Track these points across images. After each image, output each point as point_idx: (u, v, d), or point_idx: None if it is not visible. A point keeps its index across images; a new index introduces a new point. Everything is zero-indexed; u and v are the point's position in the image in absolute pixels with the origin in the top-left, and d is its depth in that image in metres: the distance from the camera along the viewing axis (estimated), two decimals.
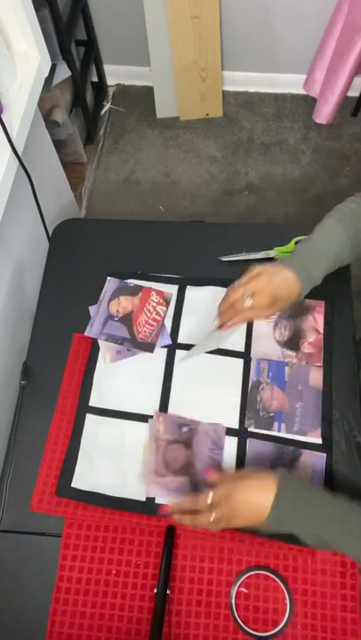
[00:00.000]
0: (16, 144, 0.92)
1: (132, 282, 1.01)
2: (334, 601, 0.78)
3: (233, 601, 0.78)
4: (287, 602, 0.78)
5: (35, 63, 1.01)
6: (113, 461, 0.87)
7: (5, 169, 0.90)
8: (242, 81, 2.20)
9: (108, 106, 2.26)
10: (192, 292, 1.01)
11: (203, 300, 1.00)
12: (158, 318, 0.97)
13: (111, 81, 2.29)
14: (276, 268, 0.81)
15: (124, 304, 0.99)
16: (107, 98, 2.28)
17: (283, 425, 0.89)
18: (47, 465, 0.88)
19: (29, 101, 0.98)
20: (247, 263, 1.02)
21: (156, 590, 0.77)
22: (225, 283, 1.00)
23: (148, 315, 0.98)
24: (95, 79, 2.22)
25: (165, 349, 0.95)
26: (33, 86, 0.99)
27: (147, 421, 0.90)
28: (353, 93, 2.07)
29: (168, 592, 0.78)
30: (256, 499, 0.70)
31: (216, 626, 0.77)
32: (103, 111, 2.25)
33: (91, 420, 0.91)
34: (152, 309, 0.98)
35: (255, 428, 0.88)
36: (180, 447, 0.87)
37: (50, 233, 1.13)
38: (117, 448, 0.88)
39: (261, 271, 0.81)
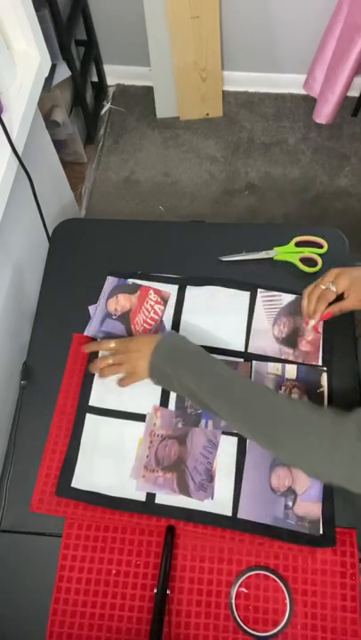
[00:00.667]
0: (16, 144, 0.92)
1: (130, 281, 1.01)
2: (334, 601, 0.78)
3: (233, 601, 0.78)
4: (287, 602, 0.78)
5: (35, 63, 1.01)
6: (113, 461, 0.87)
7: (5, 169, 0.90)
8: (242, 81, 2.20)
9: (108, 106, 2.26)
10: (192, 292, 1.01)
11: (203, 299, 1.00)
12: (156, 317, 0.97)
13: (111, 81, 2.29)
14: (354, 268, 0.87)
15: (123, 302, 0.99)
16: (107, 98, 2.28)
17: (210, 421, 0.89)
18: (47, 465, 0.88)
19: (29, 101, 0.98)
20: (247, 263, 1.03)
21: (156, 590, 0.77)
22: (225, 283, 1.01)
23: (147, 314, 0.98)
24: (95, 79, 2.22)
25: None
26: (33, 86, 0.99)
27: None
28: (353, 93, 2.07)
29: (168, 592, 0.78)
30: (146, 345, 0.84)
31: (216, 626, 0.77)
32: (103, 111, 2.25)
33: (91, 419, 0.91)
34: (150, 308, 0.98)
35: (183, 425, 0.89)
36: (174, 443, 0.87)
37: (50, 233, 1.13)
38: (117, 448, 0.88)
39: (340, 271, 0.87)
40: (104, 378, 0.89)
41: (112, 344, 0.89)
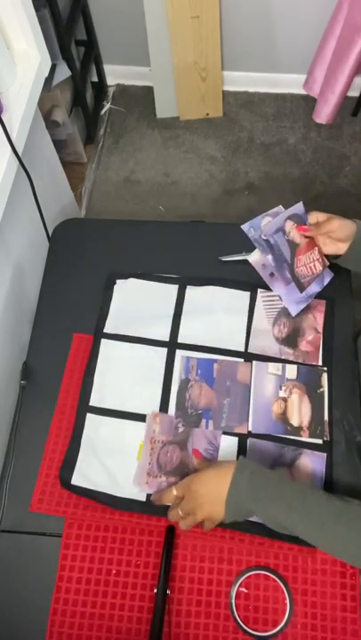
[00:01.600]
0: (16, 144, 0.92)
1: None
2: (334, 601, 0.78)
3: (233, 601, 0.78)
4: (287, 602, 0.78)
5: (35, 63, 1.01)
6: (113, 461, 0.87)
7: (5, 169, 0.90)
8: (242, 81, 2.20)
9: (108, 106, 2.26)
10: (192, 292, 1.01)
11: (203, 299, 1.00)
12: (315, 270, 0.94)
13: (111, 81, 2.29)
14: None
15: (294, 233, 0.91)
16: (107, 98, 2.28)
17: (210, 421, 0.89)
18: (47, 465, 0.88)
19: (29, 101, 0.98)
20: (247, 263, 1.03)
21: (156, 590, 0.77)
22: (225, 283, 1.01)
23: (308, 261, 0.93)
24: (95, 79, 2.22)
25: (165, 349, 0.95)
26: (33, 86, 0.99)
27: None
28: (353, 93, 2.07)
29: (168, 592, 0.78)
30: (214, 485, 0.73)
31: (216, 626, 0.77)
32: (103, 111, 2.25)
33: (91, 419, 0.91)
34: (312, 260, 0.94)
35: (183, 425, 0.89)
36: (175, 448, 0.87)
37: (50, 233, 1.13)
38: (118, 448, 0.88)
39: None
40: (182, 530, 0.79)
41: (174, 492, 0.77)
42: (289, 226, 0.90)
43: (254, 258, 0.94)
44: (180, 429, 0.88)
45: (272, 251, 0.90)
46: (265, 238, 0.89)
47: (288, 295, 0.95)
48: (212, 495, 0.73)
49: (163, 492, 0.80)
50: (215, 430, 0.88)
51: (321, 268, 0.96)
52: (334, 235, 0.90)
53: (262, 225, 0.90)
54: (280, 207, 0.92)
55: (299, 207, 0.91)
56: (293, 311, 0.96)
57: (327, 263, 0.96)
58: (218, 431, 0.88)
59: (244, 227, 0.91)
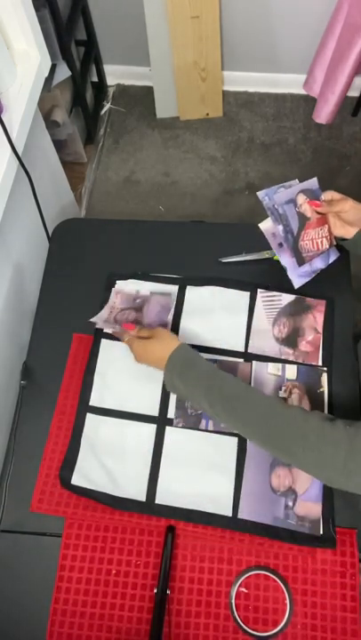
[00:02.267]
0: (16, 144, 0.92)
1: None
2: (334, 601, 0.78)
3: (233, 601, 0.78)
4: (287, 602, 0.78)
5: (35, 63, 1.01)
6: (113, 461, 0.87)
7: (5, 169, 0.90)
8: (242, 81, 2.20)
9: (108, 106, 2.26)
10: (192, 292, 1.01)
11: (203, 299, 1.00)
12: (320, 247, 0.95)
13: (111, 81, 2.29)
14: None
15: (305, 207, 0.92)
16: (107, 98, 2.27)
17: (210, 422, 0.89)
18: (47, 465, 0.88)
19: (29, 101, 0.98)
20: (247, 263, 1.03)
21: (156, 590, 0.77)
22: (225, 283, 1.01)
23: (316, 236, 0.94)
24: (95, 79, 2.22)
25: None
26: (33, 86, 0.99)
27: (147, 422, 0.90)
28: (353, 93, 2.07)
29: (168, 592, 0.78)
30: (161, 354, 0.83)
31: (216, 626, 0.77)
32: (103, 111, 2.25)
33: (91, 419, 0.91)
34: (321, 236, 0.94)
35: (183, 426, 0.89)
36: (132, 312, 0.97)
37: (50, 233, 1.13)
38: (118, 448, 0.88)
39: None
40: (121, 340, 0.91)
41: (142, 332, 0.88)
42: (301, 199, 0.91)
43: (266, 226, 0.94)
44: (138, 301, 0.99)
45: (283, 221, 0.91)
46: (277, 208, 0.90)
47: (293, 267, 0.95)
48: (155, 362, 0.84)
49: (121, 333, 0.91)
50: (165, 298, 0.97)
51: (327, 246, 0.96)
52: (345, 216, 0.90)
53: (276, 194, 0.91)
54: (296, 180, 0.93)
55: (313, 182, 0.93)
56: (296, 284, 0.96)
57: (334, 243, 0.97)
58: (168, 298, 0.98)
59: (260, 194, 0.92)
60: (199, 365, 0.81)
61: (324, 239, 0.95)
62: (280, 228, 0.91)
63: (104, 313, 0.97)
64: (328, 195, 0.92)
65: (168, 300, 0.97)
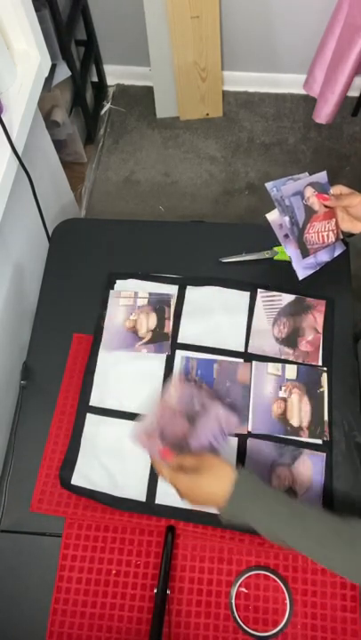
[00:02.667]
0: (16, 144, 0.92)
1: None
2: (334, 601, 0.78)
3: (233, 601, 0.78)
4: (287, 602, 0.78)
5: (35, 63, 1.01)
6: (113, 461, 0.87)
7: (5, 169, 0.90)
8: (242, 81, 2.20)
9: (108, 106, 2.26)
10: (192, 292, 1.01)
11: (203, 300, 1.00)
12: (326, 240, 0.94)
13: (111, 81, 2.29)
14: None
15: (313, 200, 0.92)
16: (107, 98, 2.27)
17: None
18: (47, 465, 0.88)
19: (29, 101, 0.98)
20: (247, 263, 1.03)
21: (156, 590, 0.77)
22: (225, 283, 1.01)
23: (323, 229, 0.93)
24: (95, 79, 2.22)
25: (164, 354, 0.95)
26: (33, 86, 0.99)
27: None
28: (353, 93, 2.07)
29: (168, 592, 0.78)
30: (209, 492, 0.71)
31: (216, 626, 0.77)
32: (103, 111, 2.25)
33: (91, 419, 0.91)
34: (327, 230, 0.93)
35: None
36: (184, 422, 0.82)
37: (50, 233, 1.13)
38: (118, 448, 0.88)
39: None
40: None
41: (186, 462, 0.74)
42: (309, 192, 0.91)
43: (273, 217, 0.94)
44: (197, 406, 0.84)
45: (289, 213, 0.91)
46: (284, 199, 0.90)
47: (297, 258, 0.95)
48: (206, 500, 0.71)
49: (158, 463, 0.76)
50: (230, 417, 0.83)
51: (333, 240, 0.96)
52: (353, 210, 0.90)
53: (284, 186, 0.91)
54: (305, 173, 0.93)
55: (322, 176, 0.92)
56: (300, 275, 0.96)
57: (341, 237, 0.96)
58: (234, 421, 0.83)
59: (268, 185, 0.92)
60: (267, 495, 0.71)
61: (331, 233, 0.95)
62: (286, 219, 0.91)
63: (148, 421, 0.80)
64: (337, 189, 0.92)
65: (232, 420, 0.82)
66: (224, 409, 0.84)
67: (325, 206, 0.92)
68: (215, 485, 0.70)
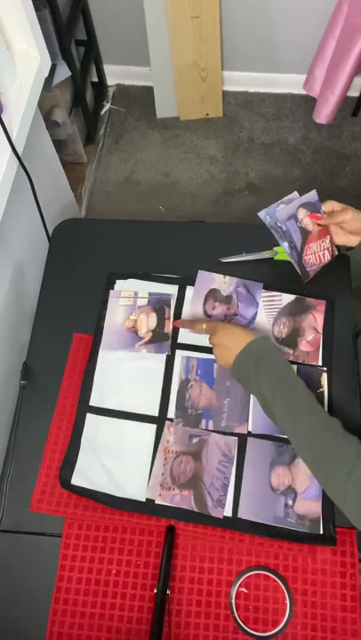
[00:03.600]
0: (16, 144, 0.92)
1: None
2: (334, 601, 0.78)
3: (233, 601, 0.78)
4: (287, 602, 0.78)
5: (35, 63, 1.01)
6: (113, 461, 0.87)
7: (5, 169, 0.90)
8: (242, 81, 2.20)
9: (108, 106, 2.26)
10: (192, 292, 1.01)
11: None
12: (323, 260, 0.95)
13: (111, 81, 2.29)
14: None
15: (307, 220, 0.91)
16: (107, 98, 2.28)
17: (210, 421, 0.89)
18: (47, 465, 0.88)
19: (29, 101, 0.98)
20: (247, 263, 1.03)
21: (156, 590, 0.77)
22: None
23: (318, 249, 0.93)
24: (95, 79, 2.22)
25: (164, 354, 0.95)
26: (33, 86, 0.99)
27: (147, 422, 0.90)
28: (353, 93, 2.07)
29: (168, 592, 0.78)
30: (234, 340, 0.84)
31: (216, 626, 0.77)
32: (103, 111, 2.25)
33: (91, 419, 0.91)
34: (322, 249, 0.93)
35: (183, 425, 0.89)
36: (189, 459, 0.86)
37: (50, 233, 1.13)
38: (118, 448, 0.88)
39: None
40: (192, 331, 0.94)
41: (205, 325, 0.90)
42: (302, 213, 0.90)
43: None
44: (195, 440, 0.88)
45: (287, 238, 0.91)
46: (279, 225, 0.90)
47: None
48: (230, 348, 0.83)
49: (194, 323, 0.92)
50: (228, 440, 0.88)
51: (329, 258, 0.96)
52: (347, 226, 0.90)
53: (277, 212, 0.90)
54: (295, 193, 0.92)
55: (312, 195, 0.91)
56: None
57: (336, 253, 0.96)
58: (232, 444, 0.87)
59: (261, 214, 0.92)
60: (277, 359, 0.81)
61: (326, 251, 0.95)
62: (285, 245, 0.91)
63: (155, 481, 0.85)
64: (328, 205, 0.91)
65: (231, 445, 0.87)
66: (220, 435, 0.88)
67: (318, 224, 0.92)
68: (234, 338, 0.84)
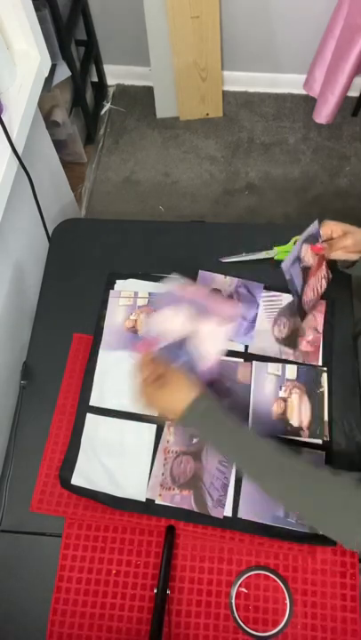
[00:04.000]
0: (16, 144, 0.92)
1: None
2: (334, 601, 0.78)
3: (233, 601, 0.78)
4: (287, 602, 0.78)
5: (35, 63, 1.01)
6: (113, 461, 0.87)
7: (5, 169, 0.90)
8: (242, 81, 2.20)
9: (108, 106, 2.26)
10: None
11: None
12: (319, 290, 0.92)
13: (111, 81, 2.29)
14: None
15: (310, 256, 0.86)
16: (107, 98, 2.27)
17: None
18: (47, 465, 0.88)
19: (29, 101, 0.98)
20: (247, 263, 1.03)
21: (156, 590, 0.77)
22: None
23: (316, 281, 0.90)
24: (95, 79, 2.22)
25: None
26: (33, 86, 0.99)
27: (147, 422, 0.90)
28: (353, 93, 2.07)
29: (168, 592, 0.78)
30: (171, 401, 0.76)
31: (216, 626, 0.77)
32: (103, 111, 2.25)
33: (91, 419, 0.91)
34: (319, 279, 0.91)
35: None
36: (189, 459, 0.86)
37: (50, 233, 1.13)
38: (118, 448, 0.88)
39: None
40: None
41: (160, 369, 0.79)
42: (304, 250, 0.84)
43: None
44: (195, 440, 0.88)
45: (292, 287, 0.86)
46: (288, 278, 0.83)
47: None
48: (175, 403, 0.76)
49: (147, 363, 0.80)
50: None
51: (325, 286, 0.95)
52: (348, 249, 0.85)
53: (283, 263, 0.82)
54: (314, 225, 0.84)
55: (314, 227, 0.84)
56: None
57: (330, 277, 0.94)
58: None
59: (284, 268, 0.82)
60: (219, 421, 0.75)
61: (323, 280, 0.93)
62: (291, 295, 0.89)
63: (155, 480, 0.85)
64: (327, 229, 0.85)
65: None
66: None
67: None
68: (175, 398, 0.76)
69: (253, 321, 0.96)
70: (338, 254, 0.87)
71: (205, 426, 0.76)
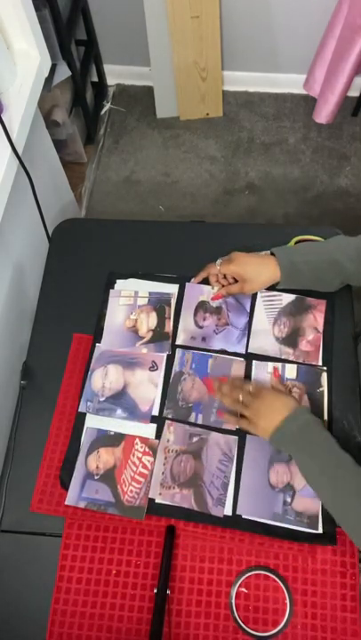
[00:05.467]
0: (16, 144, 0.92)
1: (111, 428, 0.89)
2: (334, 601, 0.78)
3: (233, 601, 0.78)
4: (287, 602, 0.78)
5: (35, 63, 1.01)
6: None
7: (5, 169, 0.90)
8: (242, 81, 2.20)
9: (108, 106, 2.26)
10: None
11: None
12: (145, 472, 0.85)
13: (111, 81, 2.29)
14: (254, 256, 0.93)
15: (105, 458, 0.86)
16: (107, 98, 2.27)
17: (200, 415, 0.89)
18: (47, 465, 0.88)
19: (29, 101, 0.98)
20: None
21: (156, 590, 0.77)
22: None
23: (134, 469, 0.86)
24: (95, 79, 2.22)
25: (165, 354, 0.95)
26: (33, 86, 0.99)
27: (147, 421, 0.90)
28: (353, 93, 2.07)
29: (168, 592, 0.78)
30: (277, 405, 0.82)
31: (216, 626, 0.77)
32: (103, 111, 2.25)
33: (91, 419, 0.91)
34: (137, 462, 0.86)
35: (172, 417, 0.89)
36: (189, 458, 0.86)
37: (50, 233, 1.13)
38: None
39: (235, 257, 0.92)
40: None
41: (247, 389, 0.86)
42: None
43: None
44: (195, 439, 0.88)
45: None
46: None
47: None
48: (268, 420, 0.81)
49: (233, 389, 0.87)
50: (229, 439, 0.87)
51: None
52: (240, 276, 0.93)
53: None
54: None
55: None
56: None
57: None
58: (233, 443, 0.87)
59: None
60: (316, 436, 0.79)
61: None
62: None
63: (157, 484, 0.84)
64: (226, 270, 0.94)
65: (231, 444, 0.87)
66: (220, 434, 0.88)
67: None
68: (272, 411, 0.81)
69: (245, 329, 0.96)
70: (232, 289, 0.95)
71: (304, 437, 0.79)
